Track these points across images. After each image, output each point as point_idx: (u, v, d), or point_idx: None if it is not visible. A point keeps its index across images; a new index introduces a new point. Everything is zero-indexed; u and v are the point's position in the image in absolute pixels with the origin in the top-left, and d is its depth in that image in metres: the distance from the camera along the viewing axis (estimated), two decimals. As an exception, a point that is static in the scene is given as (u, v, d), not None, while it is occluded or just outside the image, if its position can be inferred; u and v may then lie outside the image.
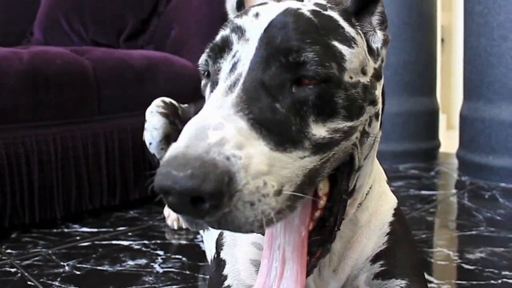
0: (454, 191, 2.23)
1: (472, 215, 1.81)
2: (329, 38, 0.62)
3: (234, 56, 0.60)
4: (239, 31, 0.62)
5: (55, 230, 1.79)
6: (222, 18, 2.20)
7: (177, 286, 1.30)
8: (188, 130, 0.51)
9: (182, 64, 2.19)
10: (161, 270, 1.42)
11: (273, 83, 0.57)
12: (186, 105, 1.81)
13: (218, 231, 0.88)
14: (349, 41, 0.64)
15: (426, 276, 1.25)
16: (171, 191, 0.48)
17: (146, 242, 1.65)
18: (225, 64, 0.61)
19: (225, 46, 0.62)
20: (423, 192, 2.14)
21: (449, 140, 3.22)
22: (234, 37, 0.61)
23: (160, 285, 1.32)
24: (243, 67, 0.58)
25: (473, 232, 1.63)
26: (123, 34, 2.57)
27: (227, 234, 0.84)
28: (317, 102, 0.59)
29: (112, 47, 2.28)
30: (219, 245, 0.84)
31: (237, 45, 0.61)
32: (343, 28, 0.66)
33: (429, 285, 0.80)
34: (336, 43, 0.62)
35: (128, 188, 2.01)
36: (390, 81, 2.67)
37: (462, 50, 2.47)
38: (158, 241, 1.65)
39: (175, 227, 1.76)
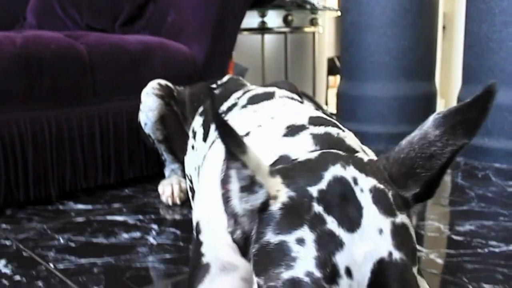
0: (448, 170, 2.28)
1: (465, 192, 1.86)
2: (414, 261, 0.60)
3: None
4: None
5: (50, 207, 1.84)
6: (218, 4, 2.25)
7: (171, 256, 1.36)
8: None
9: (178, 49, 2.23)
10: (155, 242, 1.47)
11: None
12: (181, 87, 1.86)
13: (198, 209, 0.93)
14: (415, 259, 0.62)
15: (415, 246, 1.31)
16: None
17: (140, 217, 1.70)
18: None
19: None
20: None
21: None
22: None
23: (154, 255, 1.38)
24: None
25: (464, 208, 1.69)
26: (118, 20, 2.60)
27: (204, 225, 0.88)
28: None
29: (107, 33, 2.32)
30: (197, 230, 0.89)
31: None
32: (413, 243, 0.62)
33: (417, 253, 0.85)
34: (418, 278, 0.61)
35: (122, 168, 2.05)
36: (389, 65, 2.71)
37: (463, 37, 2.52)
38: (153, 216, 1.70)
39: (170, 203, 1.81)
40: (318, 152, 0.70)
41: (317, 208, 0.59)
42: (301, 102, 1.08)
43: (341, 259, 0.56)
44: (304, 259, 0.56)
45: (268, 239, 0.61)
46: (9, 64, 1.72)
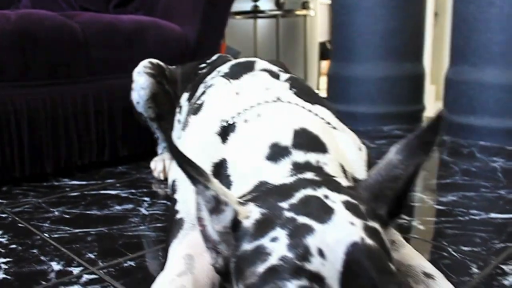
0: (434, 147, 2.32)
1: (449, 167, 1.89)
2: (388, 255, 0.64)
3: None
4: (318, 280, 0.57)
5: (45, 184, 1.86)
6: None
7: (162, 225, 1.39)
8: None
9: (171, 28, 2.24)
10: (147, 213, 1.50)
11: None
12: (173, 67, 1.87)
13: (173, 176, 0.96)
14: (391, 258, 0.65)
15: (399, 214, 1.34)
16: None
17: (133, 191, 1.72)
18: None
19: None
20: (405, 149, 2.21)
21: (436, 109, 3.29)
22: None
23: (146, 224, 1.40)
24: None
25: (448, 181, 1.72)
26: (112, 1, 2.61)
27: (179, 184, 0.93)
28: None
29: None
30: (173, 188, 0.94)
31: None
32: (386, 245, 0.65)
33: (399, 221, 0.88)
34: (391, 265, 0.63)
35: (116, 145, 2.07)
36: (378, 46, 2.73)
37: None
38: (145, 190, 1.73)
39: (161, 178, 1.83)
40: (294, 178, 0.75)
41: (289, 214, 0.63)
42: (278, 77, 1.09)
43: (313, 242, 0.59)
44: (278, 250, 0.59)
45: (244, 249, 0.64)
46: (3, 40, 1.73)
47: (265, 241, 0.62)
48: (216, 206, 0.67)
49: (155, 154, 1.97)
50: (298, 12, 4.09)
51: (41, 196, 1.71)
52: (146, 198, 1.63)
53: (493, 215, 1.35)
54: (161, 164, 1.86)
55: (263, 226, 0.64)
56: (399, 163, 0.69)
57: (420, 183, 1.74)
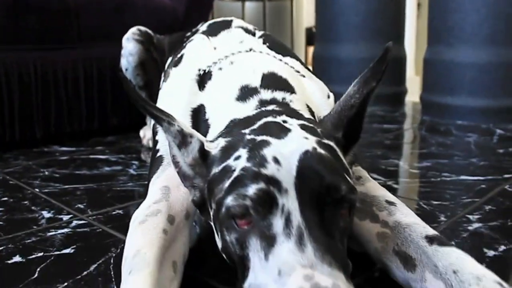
0: (414, 125, 2.38)
1: (426, 140, 1.95)
2: (342, 166, 0.70)
3: (283, 210, 0.61)
4: (275, 183, 0.63)
5: (35, 149, 1.89)
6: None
7: (149, 182, 1.42)
8: None
9: (160, 0, 2.27)
10: (135, 173, 1.53)
11: (329, 225, 0.63)
12: (162, 36, 1.90)
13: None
14: (348, 171, 0.72)
15: (375, 176, 1.39)
16: None
17: (122, 156, 1.76)
18: (277, 219, 0.61)
19: (272, 202, 0.62)
20: (385, 125, 2.27)
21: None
22: (275, 191, 0.62)
23: (134, 182, 1.44)
24: (298, 219, 0.60)
25: (424, 151, 1.78)
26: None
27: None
28: (351, 226, 0.71)
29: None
30: (155, 131, 1.01)
31: (281, 198, 0.62)
32: (342, 159, 0.73)
33: (377, 181, 0.93)
34: (345, 174, 0.70)
35: (106, 114, 2.10)
36: (360, 27, 2.78)
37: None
38: (134, 155, 1.76)
39: (151, 146, 1.86)
40: (257, 110, 0.83)
41: (249, 136, 0.72)
42: (253, 34, 1.15)
43: (269, 152, 0.67)
44: (240, 164, 0.67)
45: (213, 172, 0.72)
46: (-3, 5, 1.75)
47: (230, 161, 0.69)
48: (183, 139, 0.74)
49: (144, 124, 2.00)
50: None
51: (31, 159, 1.74)
52: (134, 162, 1.67)
53: (463, 177, 1.41)
54: (150, 132, 1.89)
55: (228, 150, 0.72)
56: (354, 93, 0.77)
57: (397, 151, 1.80)
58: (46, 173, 1.56)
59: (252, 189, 0.63)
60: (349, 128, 0.78)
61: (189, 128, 0.76)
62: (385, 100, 2.80)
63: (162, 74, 1.56)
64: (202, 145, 0.74)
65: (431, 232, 0.74)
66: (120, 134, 2.12)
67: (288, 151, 0.67)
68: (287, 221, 0.61)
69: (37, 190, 1.38)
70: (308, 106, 0.92)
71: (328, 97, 1.03)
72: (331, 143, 0.73)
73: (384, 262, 0.78)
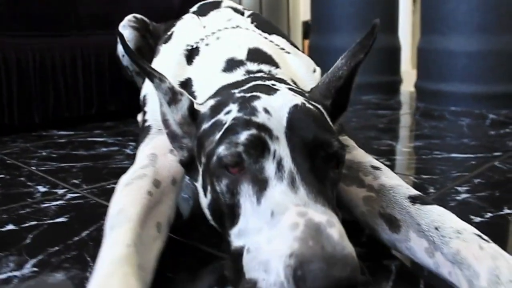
0: (408, 111, 2.37)
1: (420, 124, 1.95)
2: (331, 127, 0.71)
3: (274, 155, 0.62)
4: (266, 130, 0.63)
5: (34, 133, 1.88)
6: None
7: (144, 160, 1.42)
8: (305, 232, 0.52)
9: (157, -11, 2.27)
10: (131, 153, 1.53)
11: (320, 172, 0.63)
12: (158, 24, 1.90)
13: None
14: (334, 132, 0.72)
15: (367, 154, 1.39)
16: None
17: (119, 138, 1.76)
18: (269, 163, 0.62)
19: (264, 147, 0.62)
20: (380, 111, 2.27)
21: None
22: (266, 137, 0.63)
23: (130, 160, 1.43)
24: (289, 165, 0.61)
25: (417, 132, 1.78)
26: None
27: (148, 97, 0.99)
28: (340, 180, 0.71)
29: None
30: (144, 102, 1.01)
31: (272, 144, 0.62)
32: (329, 121, 0.73)
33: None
34: (331, 125, 0.72)
35: (104, 100, 2.09)
36: (353, 17, 2.77)
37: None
38: (131, 138, 1.76)
39: (146, 128, 1.86)
40: (246, 76, 0.85)
41: (240, 94, 0.73)
42: (242, 13, 1.16)
43: (259, 104, 0.68)
44: (231, 116, 0.68)
45: (203, 128, 0.72)
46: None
47: (220, 116, 0.70)
48: (173, 96, 0.75)
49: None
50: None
51: (29, 142, 1.74)
52: (131, 143, 1.67)
53: (454, 154, 1.41)
54: (146, 115, 1.89)
55: (218, 107, 0.72)
56: (342, 65, 0.79)
57: (390, 133, 1.79)
58: (44, 153, 1.56)
59: (243, 136, 0.63)
60: (337, 98, 0.78)
61: (179, 88, 0.77)
62: (380, 89, 2.80)
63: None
64: (191, 103, 0.75)
65: (414, 192, 0.75)
66: (118, 120, 2.11)
67: (278, 104, 0.68)
68: (279, 166, 0.61)
69: (33, 168, 1.38)
70: (293, 81, 0.92)
71: (314, 71, 1.03)
72: (319, 106, 0.74)
73: (370, 225, 0.78)
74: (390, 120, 2.05)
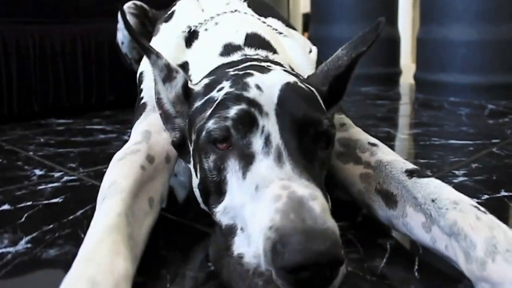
0: (407, 101, 2.36)
1: (418, 113, 1.94)
2: (322, 107, 0.71)
3: (263, 131, 0.61)
4: (256, 105, 0.63)
5: (33, 122, 1.87)
6: None
7: (142, 146, 1.41)
8: (287, 204, 0.51)
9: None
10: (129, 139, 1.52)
11: (308, 150, 0.63)
12: (157, 11, 1.89)
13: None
14: (326, 113, 0.71)
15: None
16: (315, 266, 0.48)
17: (118, 126, 1.75)
18: (256, 138, 0.61)
19: (253, 122, 0.62)
20: (378, 101, 2.26)
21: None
22: (255, 112, 0.62)
23: (127, 146, 1.43)
24: (277, 140, 0.60)
25: (416, 121, 1.77)
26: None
27: (145, 74, 0.98)
28: (329, 160, 0.71)
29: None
30: (140, 79, 1.00)
31: (261, 120, 0.62)
32: (321, 103, 0.72)
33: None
34: (322, 106, 0.71)
35: (104, 90, 2.08)
36: (353, 8, 2.76)
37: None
38: (130, 126, 1.74)
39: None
40: (242, 57, 0.84)
41: (233, 72, 0.72)
42: None
43: (251, 80, 0.67)
44: (223, 92, 0.67)
45: (196, 106, 0.72)
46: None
47: (213, 93, 0.69)
48: (168, 73, 0.75)
49: (140, 98, 1.99)
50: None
51: (28, 130, 1.73)
52: (130, 130, 1.65)
53: (452, 141, 1.40)
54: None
55: (211, 85, 0.72)
56: (342, 55, 0.78)
57: (388, 121, 1.78)
58: (42, 140, 1.55)
59: (233, 110, 0.63)
60: (334, 86, 0.77)
61: (175, 66, 0.76)
62: (379, 80, 2.79)
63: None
64: (186, 81, 0.75)
65: (411, 166, 0.74)
66: (118, 109, 2.10)
67: (270, 81, 0.67)
68: (267, 141, 0.61)
69: (31, 153, 1.37)
70: (290, 67, 0.91)
71: (310, 51, 1.02)
72: (312, 89, 0.73)
73: (367, 203, 0.78)
74: (389, 110, 2.04)
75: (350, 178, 0.81)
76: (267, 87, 0.65)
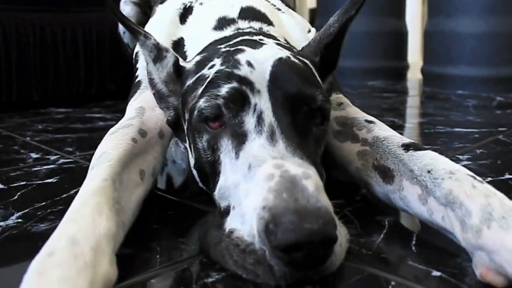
0: (413, 94, 2.35)
1: (424, 104, 1.93)
2: (317, 82, 0.70)
3: (255, 109, 0.61)
4: (247, 83, 0.63)
5: (31, 110, 1.88)
6: None
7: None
8: (280, 183, 0.51)
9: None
10: (127, 126, 1.52)
11: (303, 129, 0.63)
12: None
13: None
14: (322, 87, 0.71)
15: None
16: (308, 245, 0.48)
17: (118, 115, 1.74)
18: (248, 117, 0.61)
19: (244, 100, 0.62)
20: (385, 94, 2.25)
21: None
22: (247, 90, 0.62)
23: (125, 132, 1.43)
24: (270, 118, 0.60)
25: (421, 111, 1.76)
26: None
27: (140, 54, 0.97)
28: (325, 137, 0.71)
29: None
30: (136, 59, 1.00)
31: (253, 98, 0.62)
32: (316, 76, 0.72)
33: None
34: (318, 80, 0.72)
35: (104, 79, 2.09)
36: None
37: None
38: (128, 114, 1.75)
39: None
40: (234, 32, 0.84)
41: (225, 49, 0.72)
42: None
43: (243, 57, 0.67)
44: (214, 70, 0.67)
45: (188, 84, 0.72)
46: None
47: (204, 71, 0.69)
48: (158, 53, 0.75)
49: (141, 88, 1.99)
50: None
51: (26, 117, 1.73)
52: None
53: (457, 129, 1.39)
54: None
55: (203, 62, 0.72)
56: (333, 22, 0.77)
57: (394, 112, 1.77)
58: (40, 127, 1.55)
59: (224, 89, 0.63)
60: (326, 55, 0.77)
61: (164, 45, 0.76)
62: (386, 74, 2.78)
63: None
64: (176, 59, 0.75)
65: (407, 140, 0.74)
66: (119, 99, 2.10)
67: (262, 57, 0.67)
68: (259, 119, 0.61)
69: (28, 139, 1.37)
70: (285, 40, 0.91)
71: (309, 31, 1.02)
72: (306, 61, 0.73)
73: (365, 180, 0.77)
74: (395, 102, 2.03)
75: (348, 157, 0.80)
76: (259, 63, 0.65)
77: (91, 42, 2.01)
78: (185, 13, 0.98)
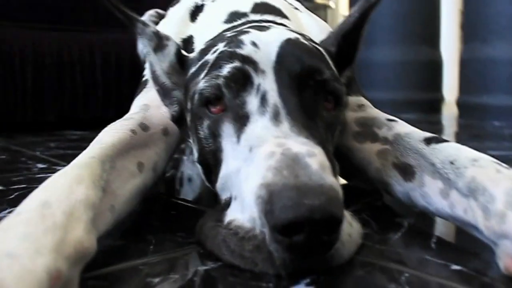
0: (447, 123, 2.31)
1: (458, 132, 1.88)
2: (328, 64, 0.69)
3: (258, 89, 0.60)
4: (251, 62, 0.62)
5: (45, 132, 1.90)
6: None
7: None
8: (281, 161, 0.49)
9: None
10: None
11: (311, 110, 0.61)
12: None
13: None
14: (336, 73, 0.70)
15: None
16: (308, 223, 0.45)
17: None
18: (251, 97, 0.60)
19: (246, 80, 0.61)
20: (417, 124, 2.21)
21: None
22: (250, 70, 0.61)
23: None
24: (274, 99, 0.58)
25: (455, 138, 1.71)
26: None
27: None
28: (338, 125, 0.69)
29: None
30: (143, 61, 1.00)
31: (257, 78, 0.61)
32: (330, 62, 0.71)
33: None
34: (332, 66, 0.70)
35: (123, 101, 2.11)
36: (393, 29, 2.76)
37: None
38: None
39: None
40: (244, 21, 0.83)
41: (231, 34, 0.71)
42: None
43: (247, 37, 0.66)
44: (217, 53, 0.66)
45: (191, 72, 0.71)
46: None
47: (207, 56, 0.68)
48: (159, 41, 0.74)
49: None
50: (318, 1, 4.14)
51: (39, 136, 1.76)
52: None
53: (491, 152, 1.34)
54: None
55: (207, 49, 0.71)
56: (354, 12, 0.76)
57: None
58: (52, 144, 1.57)
59: (226, 69, 0.62)
60: (344, 45, 0.76)
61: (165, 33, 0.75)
62: (419, 106, 2.74)
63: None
64: (178, 48, 0.74)
65: (429, 134, 0.71)
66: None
67: (268, 38, 0.66)
68: (263, 100, 0.59)
69: (38, 153, 1.39)
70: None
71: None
72: (320, 47, 0.71)
73: (384, 180, 0.74)
74: (427, 130, 1.99)
75: (367, 158, 0.78)
76: (264, 44, 0.64)
77: (109, 63, 2.05)
78: (196, 11, 0.99)
